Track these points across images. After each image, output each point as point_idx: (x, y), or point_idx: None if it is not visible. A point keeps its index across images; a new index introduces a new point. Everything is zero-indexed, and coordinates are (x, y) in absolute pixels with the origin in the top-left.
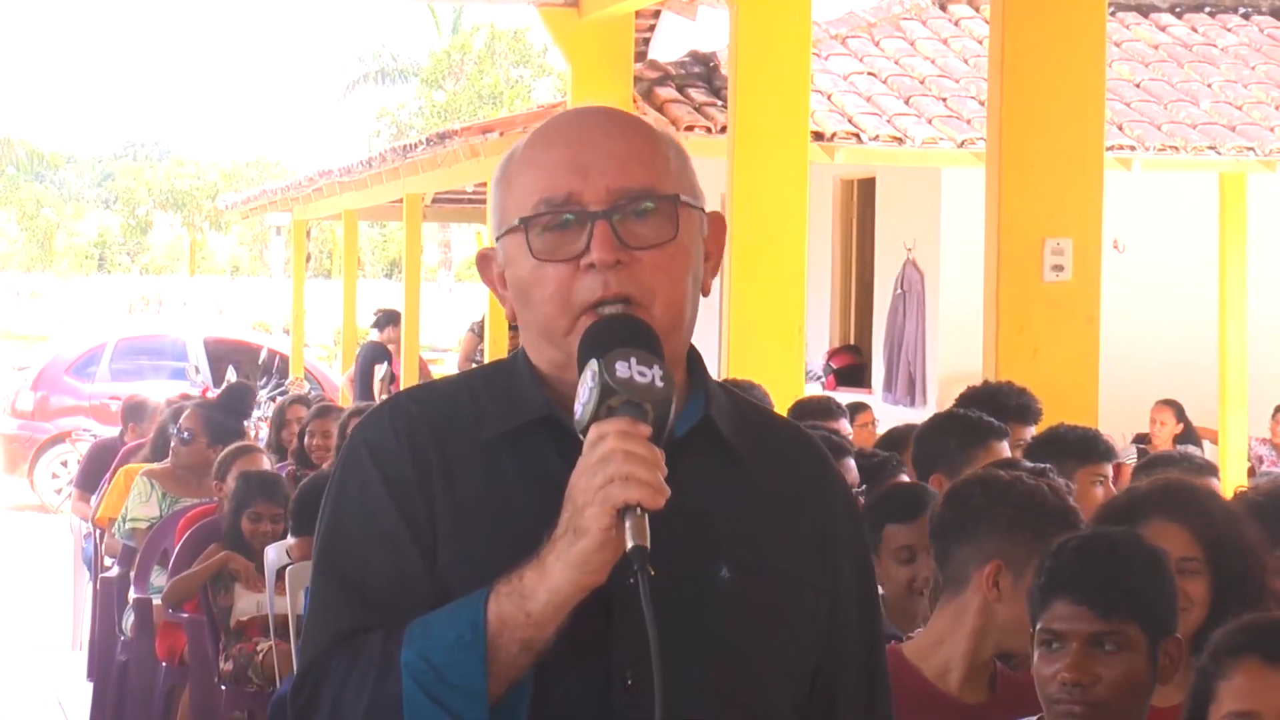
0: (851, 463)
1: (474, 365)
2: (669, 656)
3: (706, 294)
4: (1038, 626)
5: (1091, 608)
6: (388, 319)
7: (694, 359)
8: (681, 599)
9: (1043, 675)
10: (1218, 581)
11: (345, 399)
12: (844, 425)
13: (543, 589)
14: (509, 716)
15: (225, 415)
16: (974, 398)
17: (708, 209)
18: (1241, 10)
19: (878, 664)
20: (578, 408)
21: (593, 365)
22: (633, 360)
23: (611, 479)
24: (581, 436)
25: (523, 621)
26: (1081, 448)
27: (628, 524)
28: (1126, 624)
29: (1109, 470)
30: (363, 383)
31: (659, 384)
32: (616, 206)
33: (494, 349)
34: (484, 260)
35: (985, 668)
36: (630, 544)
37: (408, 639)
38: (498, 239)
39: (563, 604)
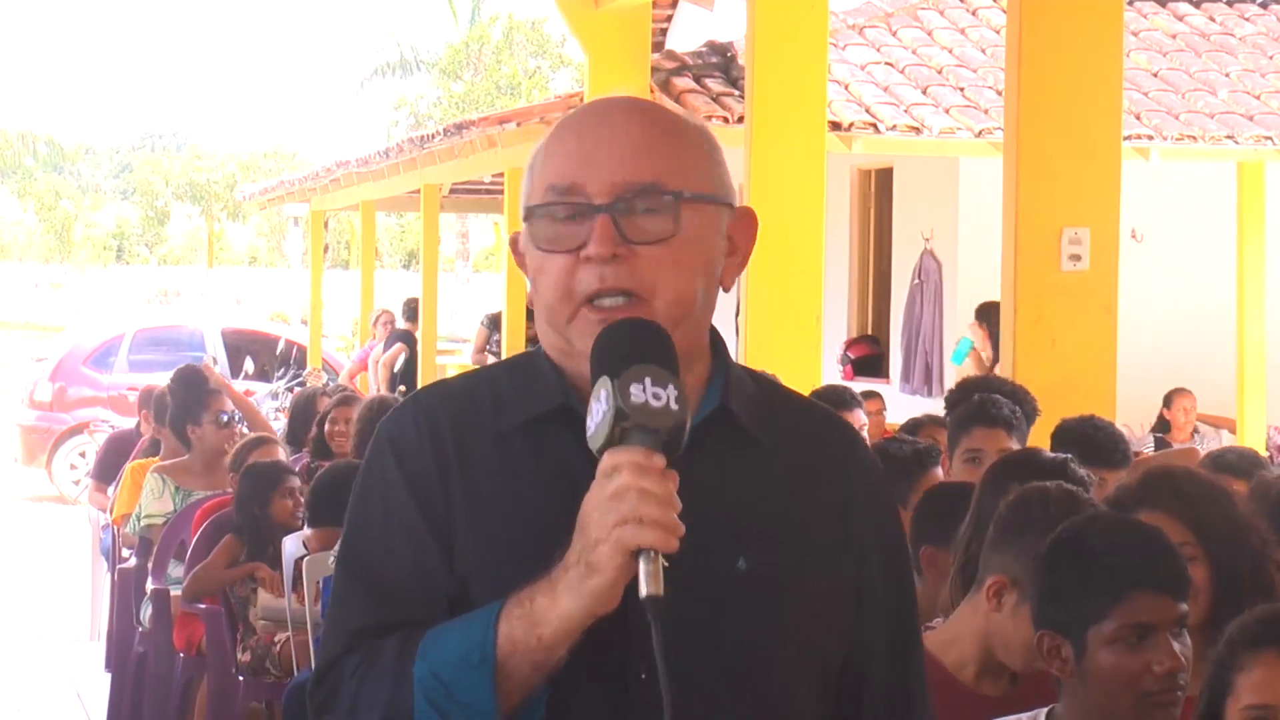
0: None
1: (488, 356)
2: (685, 647)
3: (727, 289)
4: (1107, 619)
5: (1172, 595)
6: (417, 309)
7: (716, 345)
8: (698, 590)
9: (1130, 672)
10: (1216, 565)
11: (364, 381)
12: (858, 415)
13: (554, 616)
14: None
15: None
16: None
17: (738, 203)
18: (1259, 0)
19: (911, 660)
20: (590, 424)
21: (606, 384)
22: (648, 381)
23: (625, 520)
24: (595, 455)
25: (534, 645)
26: (1090, 448)
27: (642, 569)
28: (1185, 607)
29: (1112, 477)
30: (378, 365)
31: (674, 406)
32: (620, 199)
33: (511, 338)
34: (514, 243)
35: (1003, 663)
36: (644, 592)
37: (421, 651)
38: (525, 223)
39: (574, 629)
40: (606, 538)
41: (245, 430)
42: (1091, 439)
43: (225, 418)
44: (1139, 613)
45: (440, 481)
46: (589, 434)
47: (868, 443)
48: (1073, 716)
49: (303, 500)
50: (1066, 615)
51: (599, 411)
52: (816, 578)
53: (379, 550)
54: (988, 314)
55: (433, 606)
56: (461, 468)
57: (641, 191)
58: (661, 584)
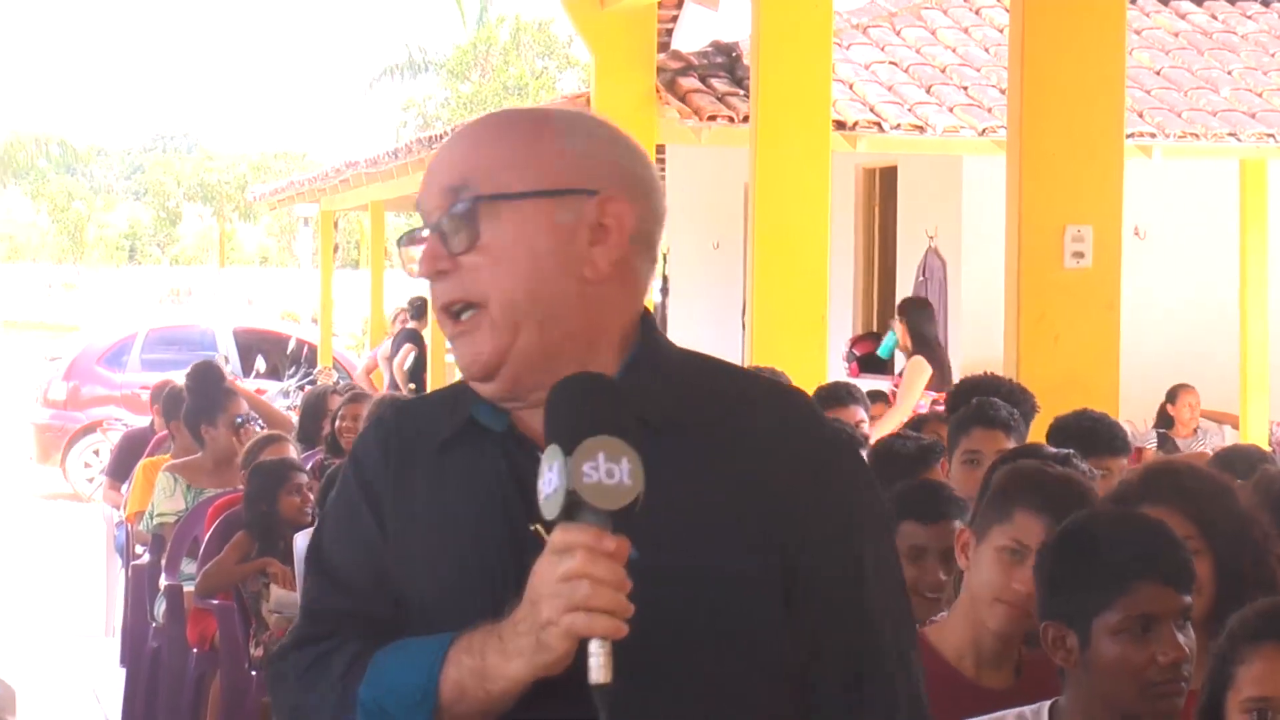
0: None
1: None
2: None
3: (597, 277)
4: (1110, 611)
5: (1175, 587)
6: (424, 307)
7: (644, 326)
8: None
9: (1135, 662)
10: (1219, 558)
11: (365, 386)
12: (858, 412)
13: (504, 676)
14: None
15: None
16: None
17: (602, 189)
18: None
19: (865, 653)
20: (542, 490)
21: (558, 457)
22: (601, 458)
23: (576, 607)
24: (545, 526)
25: (482, 697)
26: (1088, 439)
27: (591, 657)
28: (1189, 599)
29: (1122, 465)
30: (391, 363)
31: (627, 481)
32: (442, 213)
33: None
34: None
35: (1008, 653)
36: (593, 679)
37: (367, 677)
38: None
39: (520, 690)
40: (558, 621)
41: (259, 429)
42: (1090, 430)
43: (240, 420)
44: (1143, 604)
45: (386, 491)
46: (540, 499)
47: (853, 437)
48: (1077, 708)
49: (311, 497)
50: (1071, 606)
51: (550, 482)
52: (716, 567)
53: (339, 547)
54: (907, 310)
55: (387, 604)
56: (397, 480)
57: (454, 201)
58: (610, 672)
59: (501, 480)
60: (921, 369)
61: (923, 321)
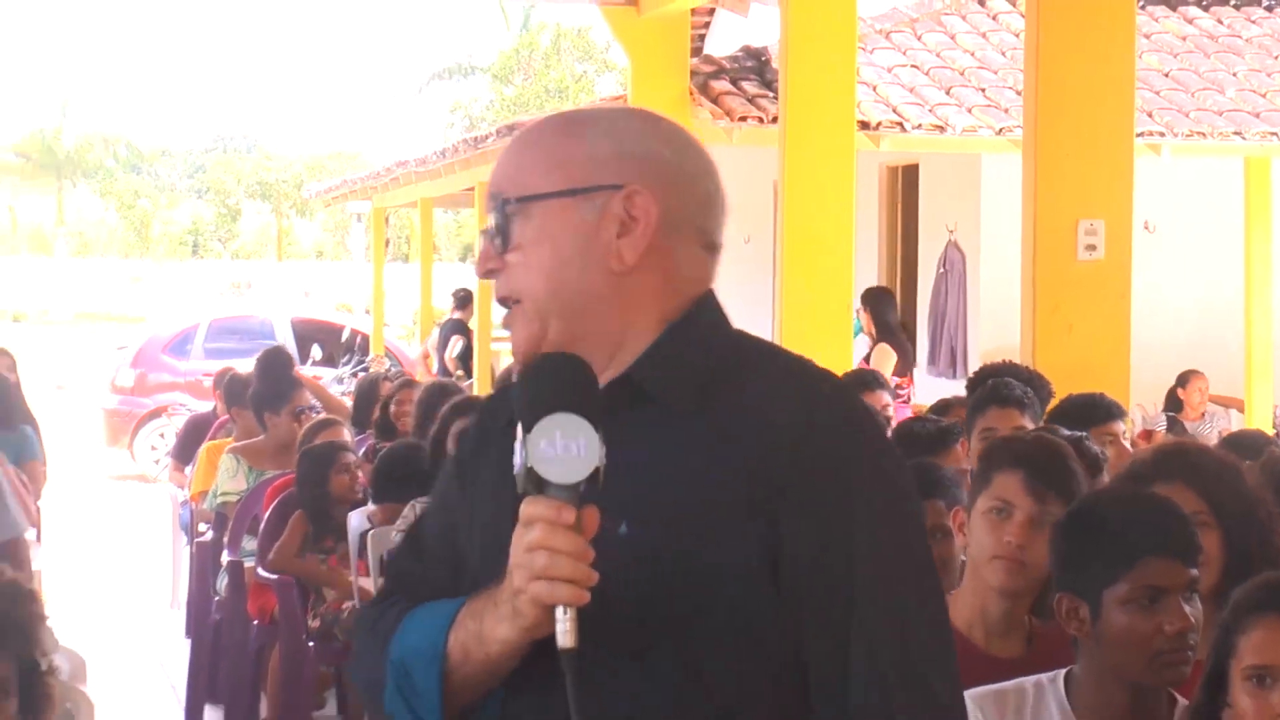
0: None
1: None
2: (587, 615)
3: (623, 269)
4: (1118, 583)
5: (1182, 560)
6: (467, 298)
7: (693, 309)
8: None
9: (1142, 632)
10: (1227, 534)
11: (421, 372)
12: (883, 396)
13: (496, 640)
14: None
15: (268, 379)
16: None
17: (628, 183)
18: (1265, 3)
19: (869, 646)
20: (515, 467)
21: (520, 436)
22: (558, 435)
23: (539, 577)
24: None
25: (481, 659)
26: (1088, 412)
27: (558, 622)
28: (1197, 572)
29: (1118, 428)
30: (440, 354)
31: (583, 454)
32: (491, 219)
33: None
34: None
35: (1016, 620)
36: (560, 644)
37: (400, 630)
38: None
39: (517, 651)
40: (525, 589)
41: (317, 415)
42: (1088, 404)
43: (301, 411)
44: (1150, 577)
45: (469, 466)
46: (515, 474)
47: (879, 422)
48: (1089, 677)
49: (360, 475)
50: (1083, 579)
51: (518, 462)
52: (707, 548)
53: (429, 514)
54: (870, 298)
55: (450, 569)
56: (476, 456)
57: (496, 205)
58: (575, 637)
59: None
60: (887, 355)
61: (885, 309)
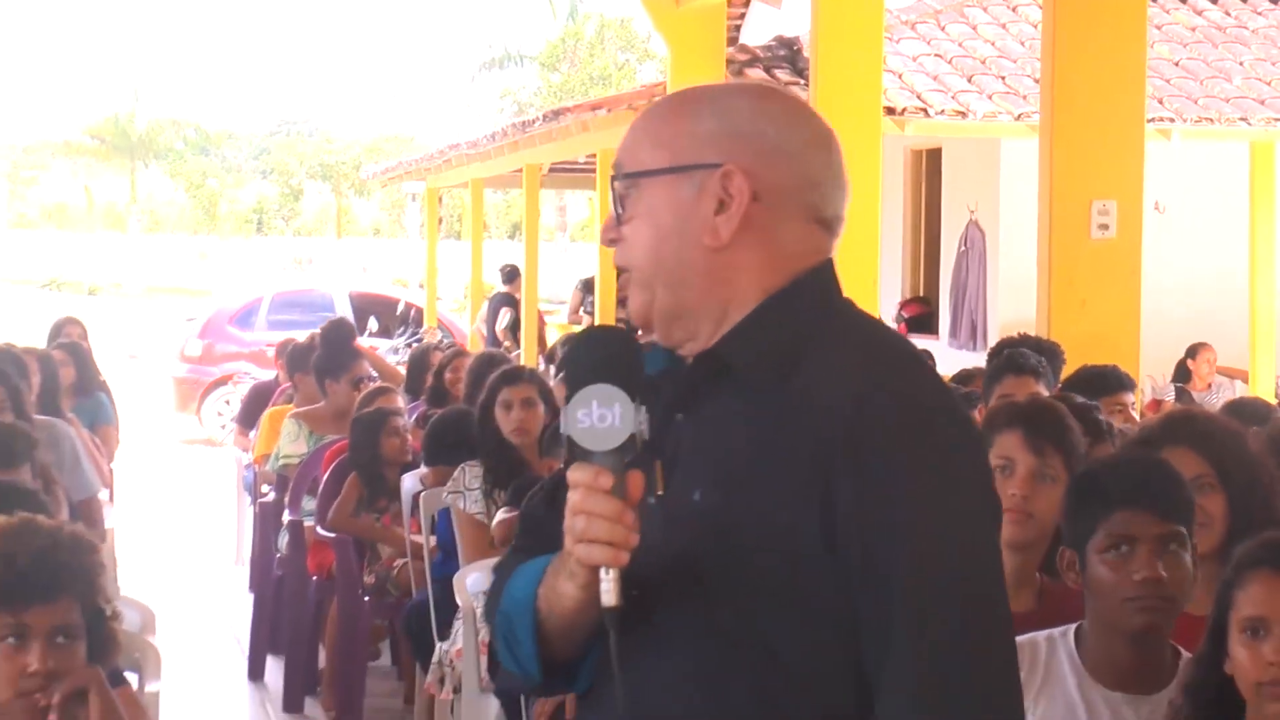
0: None
1: (583, 316)
2: (662, 573)
3: (718, 244)
4: (1097, 535)
5: (1157, 512)
6: (514, 273)
7: (799, 281)
8: (656, 523)
9: (1112, 579)
10: (1231, 496)
11: (475, 343)
12: None
13: (565, 597)
14: (571, 678)
15: (330, 349)
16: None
17: (727, 162)
18: None
19: (899, 610)
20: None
21: (564, 407)
22: (594, 404)
23: (580, 539)
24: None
25: (560, 612)
26: (1100, 383)
27: (602, 581)
28: (1181, 527)
29: (1128, 399)
30: (490, 327)
31: (618, 424)
32: (611, 191)
33: (604, 300)
34: None
35: (1026, 574)
36: (603, 603)
37: (510, 581)
38: None
39: (584, 608)
40: (572, 551)
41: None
42: (1100, 376)
43: (360, 380)
44: (1121, 526)
45: None
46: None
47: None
48: (1093, 629)
49: (409, 438)
50: (1075, 532)
51: (562, 430)
52: (767, 514)
53: (542, 489)
54: None
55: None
56: None
57: (615, 180)
58: (616, 596)
59: (669, 410)
60: None
61: None
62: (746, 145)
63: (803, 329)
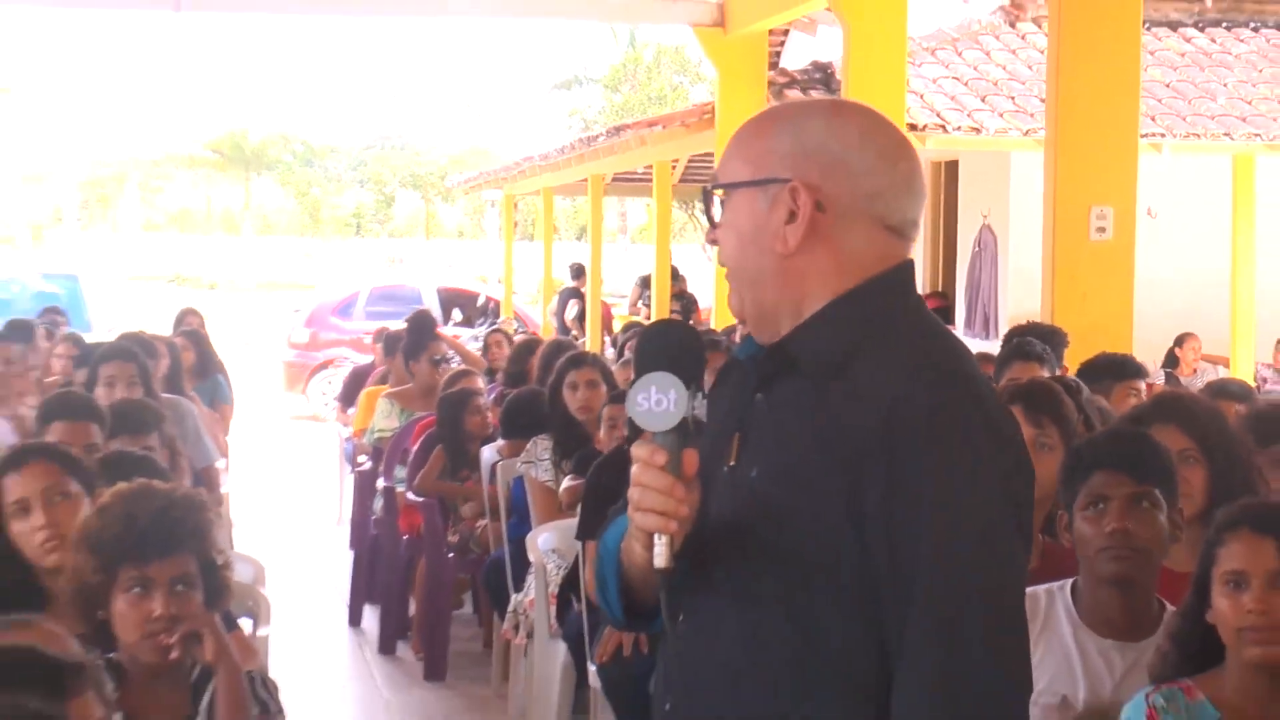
0: None
1: (640, 308)
2: (721, 539)
3: (787, 251)
4: (1079, 495)
5: (1129, 473)
6: (581, 270)
7: (869, 285)
8: (724, 491)
9: (1089, 533)
10: (1212, 467)
11: (547, 329)
12: None
13: (635, 554)
14: (649, 620)
15: (412, 333)
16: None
17: (796, 176)
18: (1251, 25)
19: (919, 590)
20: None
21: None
22: (652, 390)
23: (637, 508)
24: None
25: (633, 565)
26: (1117, 369)
27: (655, 545)
28: (1153, 488)
29: (1141, 385)
30: (560, 317)
31: (672, 409)
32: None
33: (659, 295)
34: None
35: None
36: (656, 565)
37: (606, 534)
38: None
39: (650, 564)
40: (633, 517)
41: (455, 366)
42: (1120, 363)
43: (437, 359)
44: (1096, 486)
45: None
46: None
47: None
48: (1085, 583)
49: (488, 415)
50: (1065, 495)
51: (628, 410)
52: (806, 498)
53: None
54: None
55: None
56: (712, 398)
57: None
58: (667, 559)
59: (734, 400)
60: None
61: None
62: (814, 162)
63: (862, 329)
